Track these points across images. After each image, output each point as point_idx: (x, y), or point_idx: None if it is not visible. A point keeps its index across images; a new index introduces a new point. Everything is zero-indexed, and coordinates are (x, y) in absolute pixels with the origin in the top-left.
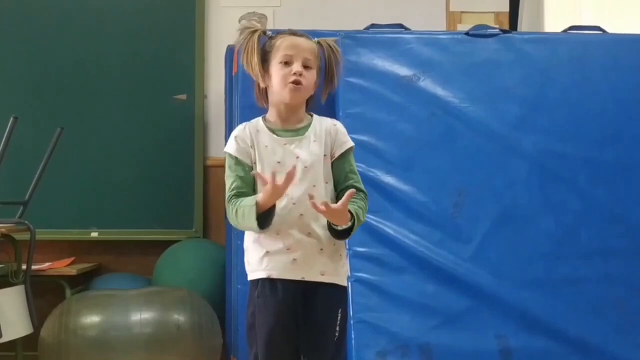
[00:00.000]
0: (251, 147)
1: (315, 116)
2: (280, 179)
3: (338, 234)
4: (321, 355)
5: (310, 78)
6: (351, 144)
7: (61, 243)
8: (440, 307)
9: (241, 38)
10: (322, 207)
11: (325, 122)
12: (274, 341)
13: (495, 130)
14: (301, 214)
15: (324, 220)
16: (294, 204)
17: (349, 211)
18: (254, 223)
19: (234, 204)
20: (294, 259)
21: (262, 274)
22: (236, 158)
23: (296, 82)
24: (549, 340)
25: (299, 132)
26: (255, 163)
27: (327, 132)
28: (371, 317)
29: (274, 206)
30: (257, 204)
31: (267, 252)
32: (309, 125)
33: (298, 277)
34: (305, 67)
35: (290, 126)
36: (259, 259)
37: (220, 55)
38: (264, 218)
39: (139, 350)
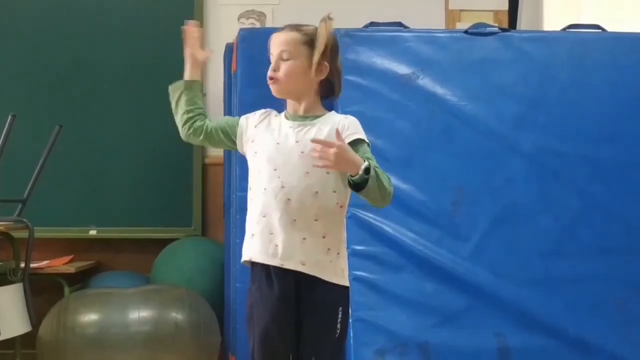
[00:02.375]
0: (255, 127)
1: (332, 112)
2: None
3: (355, 185)
4: (322, 353)
5: (286, 68)
6: (358, 136)
7: (60, 241)
8: (439, 306)
9: None
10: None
11: (337, 116)
12: (269, 335)
13: (494, 128)
14: (289, 199)
15: (312, 209)
16: (282, 187)
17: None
18: (178, 82)
19: None
20: (276, 245)
21: (246, 257)
22: (238, 118)
23: (270, 77)
24: (547, 339)
25: (308, 119)
26: (254, 141)
27: (335, 124)
28: (370, 315)
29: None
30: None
31: (253, 234)
32: (320, 116)
33: (277, 264)
34: (283, 59)
35: (299, 114)
36: (248, 239)
37: (219, 54)
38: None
39: (137, 349)
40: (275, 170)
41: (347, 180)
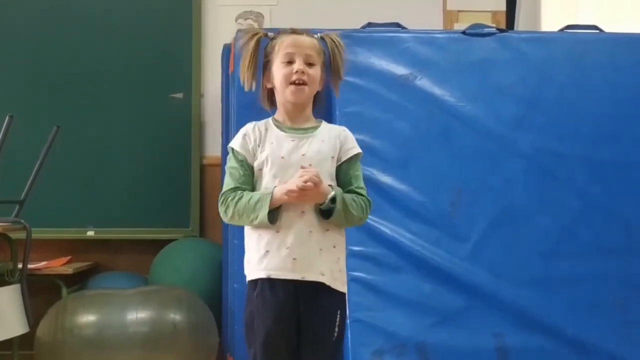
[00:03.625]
0: (259, 145)
1: (324, 122)
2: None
3: (322, 212)
4: (320, 355)
5: (313, 74)
6: (358, 150)
7: (57, 242)
8: (437, 306)
9: (241, 42)
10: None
11: (334, 128)
12: (272, 342)
13: (492, 129)
14: (302, 212)
15: (324, 221)
16: None
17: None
18: (264, 213)
19: (237, 194)
20: (294, 259)
21: (261, 274)
22: (240, 153)
23: (299, 81)
24: (546, 339)
25: (308, 131)
26: (257, 159)
27: (336, 136)
28: (368, 316)
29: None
30: (272, 194)
31: (267, 251)
32: (318, 127)
33: (299, 277)
34: (308, 64)
35: (298, 125)
36: (259, 258)
37: (216, 54)
38: (274, 212)
39: (135, 349)
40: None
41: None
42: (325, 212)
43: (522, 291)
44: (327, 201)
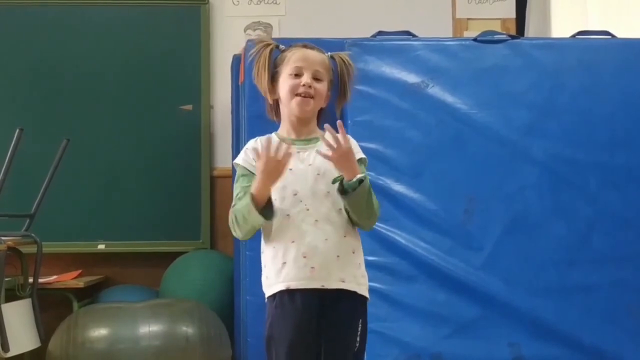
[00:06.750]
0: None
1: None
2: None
3: (345, 190)
4: None
5: (320, 89)
6: (362, 155)
7: (68, 256)
8: (452, 316)
9: (254, 51)
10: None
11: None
12: (295, 354)
13: (504, 136)
14: (316, 220)
15: (341, 227)
16: (307, 209)
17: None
18: (258, 217)
19: (232, 212)
20: (312, 267)
21: (280, 286)
22: (244, 168)
23: (305, 94)
24: (562, 348)
25: (311, 141)
26: None
27: None
28: (382, 327)
29: (270, 198)
30: (252, 195)
31: (285, 262)
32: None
33: (318, 286)
34: (316, 79)
35: (302, 137)
36: (277, 271)
37: (226, 65)
38: (265, 209)
39: None
40: (295, 195)
41: (338, 184)
42: (345, 191)
43: (537, 300)
44: (353, 180)
